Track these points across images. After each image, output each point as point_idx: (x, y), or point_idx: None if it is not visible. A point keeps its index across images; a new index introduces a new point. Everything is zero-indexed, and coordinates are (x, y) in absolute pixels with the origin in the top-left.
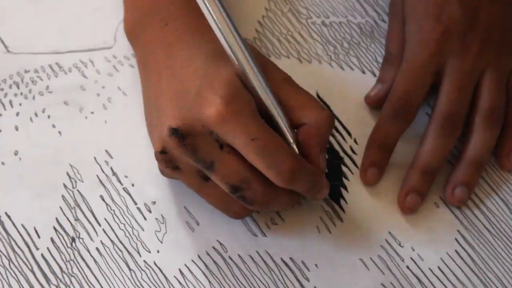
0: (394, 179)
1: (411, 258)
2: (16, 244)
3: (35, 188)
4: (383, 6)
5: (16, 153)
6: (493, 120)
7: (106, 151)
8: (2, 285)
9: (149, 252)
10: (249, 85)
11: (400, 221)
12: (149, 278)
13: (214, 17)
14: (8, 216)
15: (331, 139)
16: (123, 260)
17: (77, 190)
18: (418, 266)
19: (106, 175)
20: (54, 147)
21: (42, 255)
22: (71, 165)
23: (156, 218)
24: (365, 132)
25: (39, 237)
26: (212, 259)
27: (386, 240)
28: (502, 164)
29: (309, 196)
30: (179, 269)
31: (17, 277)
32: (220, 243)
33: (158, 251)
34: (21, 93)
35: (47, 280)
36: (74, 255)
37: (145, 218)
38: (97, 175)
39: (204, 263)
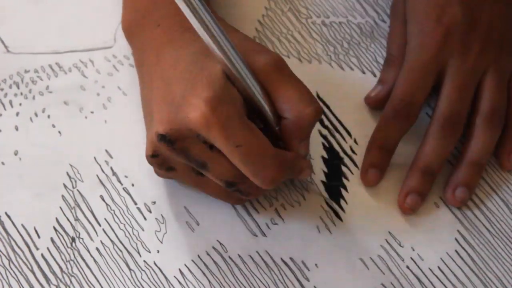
0: (394, 179)
1: (411, 258)
2: (16, 244)
3: (35, 188)
4: (383, 6)
5: (16, 153)
6: (494, 121)
7: (106, 151)
8: (2, 285)
9: (149, 252)
10: (234, 78)
11: (400, 221)
12: (149, 278)
13: (192, 11)
14: (8, 216)
15: (331, 139)
16: (123, 260)
17: (77, 190)
18: (418, 266)
19: (106, 175)
20: (54, 147)
21: (42, 255)
22: (71, 165)
23: (156, 218)
24: (365, 132)
25: (39, 237)
26: (212, 259)
27: (386, 240)
28: (502, 165)
29: (293, 178)
30: (179, 269)
31: (17, 277)
32: (220, 243)
33: (158, 251)
34: (21, 93)
35: (47, 280)
36: (74, 255)
37: (145, 218)
38: (97, 175)
39: (204, 263)
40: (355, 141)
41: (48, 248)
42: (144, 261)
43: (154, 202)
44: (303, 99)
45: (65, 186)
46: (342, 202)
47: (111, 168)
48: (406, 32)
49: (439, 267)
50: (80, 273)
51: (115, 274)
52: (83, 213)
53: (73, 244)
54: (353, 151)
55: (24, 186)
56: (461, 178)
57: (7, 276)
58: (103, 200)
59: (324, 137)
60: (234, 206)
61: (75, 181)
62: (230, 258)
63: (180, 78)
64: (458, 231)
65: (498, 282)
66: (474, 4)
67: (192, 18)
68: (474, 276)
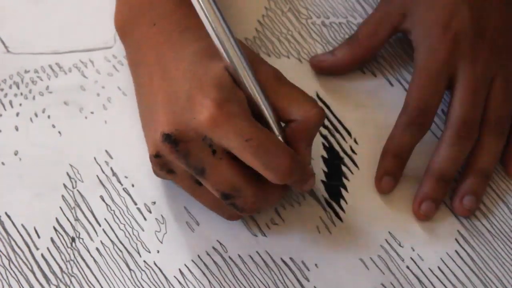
0: None
1: (411, 258)
2: (16, 244)
3: (35, 188)
4: None
5: (16, 153)
6: (500, 130)
7: (106, 151)
8: (2, 285)
9: (149, 252)
10: (239, 80)
11: (400, 221)
12: (149, 278)
13: (206, 13)
14: (8, 216)
15: (331, 139)
16: (123, 260)
17: (77, 190)
18: (418, 266)
19: (106, 175)
20: (54, 147)
21: (42, 255)
22: (71, 165)
23: (156, 218)
24: (365, 132)
25: (39, 237)
26: (212, 259)
27: (386, 240)
28: (508, 172)
29: (298, 188)
30: (179, 269)
31: (17, 277)
32: (220, 243)
33: (158, 251)
34: (21, 93)
35: (47, 280)
36: (74, 255)
37: (145, 219)
38: (97, 175)
39: (204, 263)
40: (355, 141)
41: (48, 248)
42: (144, 261)
43: (154, 203)
44: (310, 101)
45: (65, 186)
46: (342, 202)
47: (111, 169)
48: (383, 22)
49: (439, 267)
50: (80, 273)
51: (115, 274)
52: (83, 213)
53: (73, 244)
54: (353, 151)
55: (24, 186)
56: (468, 187)
57: (7, 276)
58: (103, 200)
59: (324, 137)
60: None
61: (75, 181)
62: (230, 258)
63: (183, 78)
64: (458, 231)
65: (498, 282)
66: (482, 10)
67: (205, 19)
68: (474, 276)
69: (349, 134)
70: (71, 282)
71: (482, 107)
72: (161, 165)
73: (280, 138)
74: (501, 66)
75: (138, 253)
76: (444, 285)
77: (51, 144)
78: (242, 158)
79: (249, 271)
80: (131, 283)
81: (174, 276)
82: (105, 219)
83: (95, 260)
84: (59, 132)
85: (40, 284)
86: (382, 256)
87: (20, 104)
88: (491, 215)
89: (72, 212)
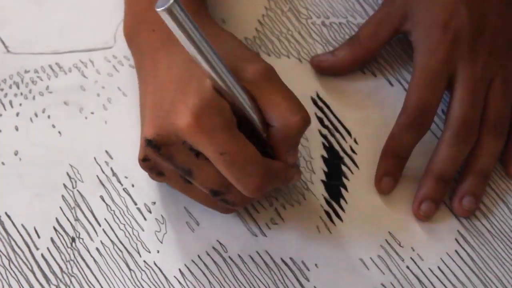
0: None
1: (411, 258)
2: (16, 244)
3: (35, 188)
4: None
5: (16, 153)
6: (500, 130)
7: (106, 151)
8: (2, 285)
9: (149, 252)
10: (219, 88)
11: (400, 221)
12: (149, 278)
13: (176, 24)
14: (8, 216)
15: (331, 138)
16: (123, 260)
17: (77, 190)
18: (418, 266)
19: (106, 175)
20: (54, 147)
21: (42, 255)
22: (71, 165)
23: (156, 219)
24: (365, 132)
25: (39, 237)
26: (212, 259)
27: (386, 240)
28: (508, 172)
29: (283, 185)
30: (179, 269)
31: (17, 277)
32: (220, 243)
33: (158, 251)
34: (21, 93)
35: (47, 280)
36: (74, 255)
37: (145, 219)
38: (97, 176)
39: (204, 263)
40: (355, 140)
41: (48, 248)
42: (144, 261)
43: (154, 203)
44: (290, 108)
45: (65, 186)
46: (342, 201)
47: (111, 169)
48: (384, 23)
49: (439, 267)
50: (80, 273)
51: (115, 274)
52: (83, 213)
53: (73, 244)
54: (353, 151)
55: (24, 186)
56: (467, 188)
57: (7, 276)
58: (103, 200)
59: (324, 136)
60: None
61: (75, 181)
62: (230, 258)
63: (171, 84)
64: (458, 231)
65: (498, 282)
66: (481, 10)
67: (176, 30)
68: (474, 276)
69: (349, 134)
70: (71, 282)
71: (482, 107)
72: (149, 168)
73: (265, 137)
74: (500, 66)
75: (138, 253)
76: (444, 285)
77: (51, 144)
78: (217, 167)
79: (249, 271)
80: (131, 283)
81: (174, 276)
82: (105, 219)
83: (95, 260)
84: (59, 132)
85: (40, 284)
86: (382, 256)
87: (20, 104)
88: (491, 215)
89: (72, 212)
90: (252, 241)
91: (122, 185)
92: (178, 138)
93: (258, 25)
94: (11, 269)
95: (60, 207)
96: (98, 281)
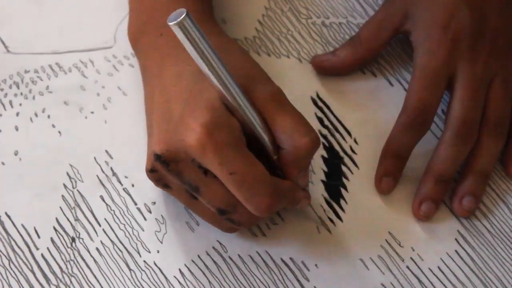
0: None
1: (411, 258)
2: (16, 244)
3: (35, 188)
4: None
5: (16, 153)
6: (500, 130)
7: (106, 151)
8: (2, 285)
9: (149, 252)
10: (231, 107)
11: (400, 221)
12: (149, 278)
13: (191, 42)
14: (8, 216)
15: (331, 138)
16: (123, 260)
17: (77, 190)
18: (418, 266)
19: (106, 175)
20: (54, 147)
21: (42, 255)
22: (71, 165)
23: (156, 219)
24: (365, 132)
25: (39, 237)
26: (212, 259)
27: (386, 240)
28: (508, 172)
29: (291, 207)
30: (179, 269)
31: (17, 277)
32: (220, 243)
33: (158, 251)
34: (21, 93)
35: (47, 280)
36: (74, 255)
37: (145, 219)
38: (97, 176)
39: (204, 263)
40: (355, 140)
41: (48, 248)
42: (144, 261)
43: (154, 203)
44: (300, 130)
45: (65, 186)
46: (342, 202)
47: (111, 169)
48: (385, 24)
49: (439, 267)
50: (80, 273)
51: (115, 274)
52: (83, 213)
53: (73, 244)
54: (353, 151)
55: (24, 186)
56: (467, 188)
57: (7, 276)
58: (103, 200)
59: (324, 136)
60: None
61: (75, 181)
62: (230, 258)
63: (180, 97)
64: (458, 231)
65: (498, 282)
66: (482, 10)
67: (188, 45)
68: (474, 276)
69: (349, 134)
70: (71, 282)
71: (482, 107)
72: (156, 179)
73: (275, 159)
74: (500, 66)
75: (138, 253)
76: (444, 285)
77: (51, 144)
78: (226, 185)
79: (249, 271)
80: (131, 283)
81: (174, 276)
82: (105, 219)
83: (95, 260)
84: (59, 132)
85: (40, 284)
86: (382, 256)
87: (20, 104)
88: (491, 215)
89: (72, 212)
90: (252, 241)
91: (122, 185)
92: (187, 155)
93: (258, 25)
94: (11, 269)
95: (60, 207)
96: (98, 281)
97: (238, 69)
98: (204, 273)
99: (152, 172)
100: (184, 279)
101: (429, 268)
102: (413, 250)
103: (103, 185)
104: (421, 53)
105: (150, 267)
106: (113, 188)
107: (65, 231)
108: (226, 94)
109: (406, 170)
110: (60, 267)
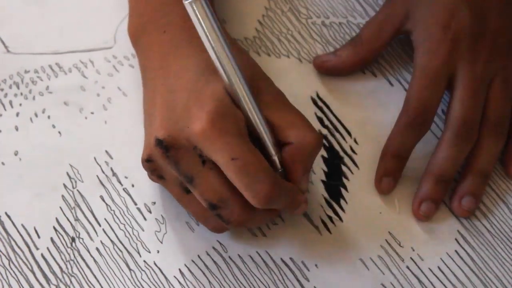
0: None
1: (411, 258)
2: (16, 244)
3: (35, 188)
4: None
5: (16, 153)
6: (500, 130)
7: (106, 151)
8: (2, 285)
9: (149, 252)
10: (237, 100)
11: (400, 221)
12: (149, 278)
13: (205, 31)
14: (8, 216)
15: (331, 138)
16: (123, 260)
17: (77, 190)
18: (418, 266)
19: (106, 175)
20: (54, 147)
21: (42, 255)
22: (71, 165)
23: (156, 219)
24: (365, 132)
25: (39, 237)
26: (212, 259)
27: (386, 240)
28: (508, 172)
29: (288, 212)
30: (179, 269)
31: (17, 277)
32: (220, 243)
33: (158, 251)
34: (21, 94)
35: (47, 280)
36: (74, 255)
37: (145, 219)
38: (97, 176)
39: (204, 263)
40: (355, 140)
41: (48, 248)
42: (144, 261)
43: (154, 203)
44: (308, 126)
45: (65, 186)
46: (342, 202)
47: (111, 169)
48: (386, 24)
49: (439, 267)
50: (80, 273)
51: (115, 274)
52: (83, 213)
53: (73, 244)
54: (353, 151)
55: (24, 186)
56: (467, 188)
57: (7, 276)
58: (103, 200)
59: (324, 136)
60: None
61: (75, 181)
62: (230, 258)
63: (184, 88)
64: (458, 231)
65: (498, 282)
66: (482, 10)
67: (200, 26)
68: (474, 276)
69: (349, 134)
70: (71, 282)
71: (482, 107)
72: (151, 170)
73: (275, 159)
74: (501, 66)
75: (138, 253)
76: (444, 285)
77: (51, 144)
78: (226, 174)
79: (249, 271)
80: (131, 283)
81: (174, 276)
82: (105, 219)
83: (95, 260)
84: (59, 132)
85: (40, 284)
86: (382, 256)
87: (20, 104)
88: (491, 215)
89: (72, 212)
90: (252, 241)
91: (122, 185)
92: (190, 142)
93: (258, 25)
94: (11, 269)
95: (60, 207)
96: (98, 281)
97: (244, 63)
98: (204, 273)
99: (148, 162)
100: (184, 279)
101: (429, 268)
102: (413, 250)
103: (103, 185)
104: (422, 53)
105: (150, 267)
106: (113, 188)
107: (65, 231)
108: (232, 80)
109: (406, 170)
110: (60, 267)
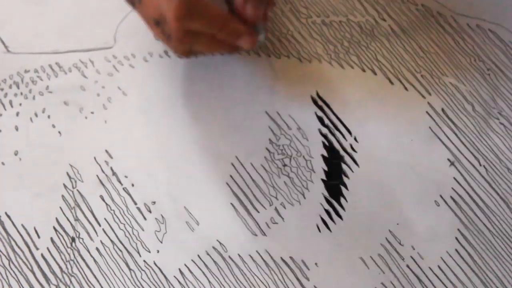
0: (393, 179)
1: (411, 257)
2: (16, 244)
3: (35, 188)
4: (383, 5)
5: (16, 153)
6: None
7: (106, 151)
8: (2, 285)
9: (149, 252)
10: None
11: (400, 219)
12: (149, 278)
13: None
14: (8, 216)
15: (331, 137)
16: (123, 260)
17: (77, 190)
18: (418, 265)
19: (106, 175)
20: (54, 147)
21: (42, 255)
22: (71, 165)
23: (156, 218)
24: (366, 130)
25: (39, 237)
26: (212, 259)
27: (387, 239)
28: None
29: (232, 43)
30: (179, 269)
31: (17, 277)
32: (220, 243)
33: (158, 251)
34: (21, 93)
35: (47, 280)
36: (74, 255)
37: (145, 218)
38: (97, 175)
39: (204, 263)
40: (355, 139)
41: (48, 248)
42: (144, 261)
43: (154, 202)
44: None
45: (65, 186)
46: (342, 200)
47: (111, 168)
48: None
49: (439, 266)
50: (80, 273)
51: (115, 274)
52: (83, 213)
53: (73, 244)
54: (353, 149)
55: (24, 186)
56: None
57: (7, 276)
58: (103, 200)
59: (324, 135)
60: (234, 206)
61: (75, 181)
62: (230, 258)
63: None
64: (458, 230)
65: (498, 281)
66: None
67: None
68: (474, 275)
69: (350, 132)
70: (71, 282)
71: None
72: (184, 31)
73: None
74: None
75: (138, 253)
76: (444, 284)
77: (51, 144)
78: None
79: (249, 270)
80: (131, 283)
81: (174, 276)
82: (105, 219)
83: (95, 260)
84: (59, 132)
85: (40, 284)
86: (382, 255)
87: (20, 104)
88: (492, 214)
89: (72, 212)
90: (252, 241)
91: (122, 184)
92: None
93: None
94: (11, 269)
95: (60, 207)
96: (98, 281)
97: None
98: (204, 273)
99: (158, 25)
100: (184, 279)
101: (429, 267)
102: (413, 249)
103: (103, 185)
104: None
105: (150, 267)
106: (113, 188)
107: (65, 231)
108: None
109: (406, 170)
110: (60, 267)
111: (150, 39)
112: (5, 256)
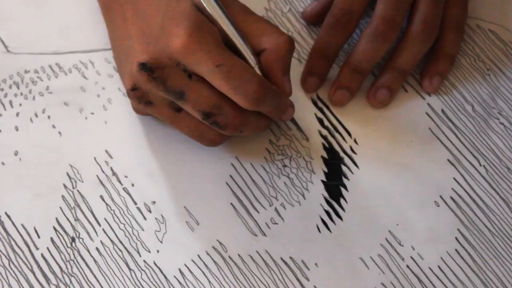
0: (393, 178)
1: (411, 257)
2: (16, 244)
3: (35, 188)
4: None
5: (16, 153)
6: (424, 34)
7: (106, 151)
8: (2, 285)
9: (149, 252)
10: (209, 15)
11: (400, 220)
12: (149, 278)
13: None
14: (8, 216)
15: (331, 139)
16: (123, 260)
17: (77, 190)
18: (418, 265)
19: (106, 175)
20: (54, 148)
21: (42, 255)
22: (71, 165)
23: (156, 218)
24: (365, 132)
25: (39, 237)
26: (212, 259)
27: (386, 239)
28: (422, 86)
29: (276, 117)
30: (179, 269)
31: (17, 277)
32: (220, 243)
33: (158, 251)
34: (21, 94)
35: (47, 280)
36: (74, 255)
37: (145, 218)
38: (97, 175)
39: (204, 263)
40: (355, 141)
41: (48, 248)
42: (144, 261)
43: (154, 202)
44: (278, 30)
45: (65, 186)
46: (342, 201)
47: (111, 168)
48: None
49: (439, 266)
50: (80, 273)
51: (115, 274)
52: (83, 213)
53: (73, 244)
54: (353, 151)
55: (24, 186)
56: (383, 81)
57: (7, 276)
58: (103, 200)
59: (324, 137)
60: (234, 206)
61: (75, 181)
62: (230, 258)
63: (156, 12)
64: (458, 230)
65: (498, 281)
66: None
67: None
68: (474, 275)
69: (349, 134)
70: (71, 282)
71: (406, 11)
72: (138, 97)
73: (256, 69)
74: None
75: (138, 253)
76: (444, 284)
77: (51, 145)
78: (212, 82)
79: (249, 271)
80: (131, 283)
81: (174, 276)
82: (105, 219)
83: (95, 260)
84: (59, 133)
85: (40, 284)
86: (382, 255)
87: (20, 104)
88: (492, 214)
89: (72, 212)
90: (252, 241)
91: (122, 184)
92: (172, 60)
93: None
94: (11, 269)
95: (60, 207)
96: (98, 281)
97: None
98: (204, 273)
99: (133, 90)
100: (184, 279)
101: (429, 267)
102: (413, 249)
103: (103, 185)
104: None
105: (150, 267)
106: (113, 187)
107: (65, 231)
108: (204, 2)
109: (406, 171)
110: (60, 267)
111: None
112: (5, 256)
